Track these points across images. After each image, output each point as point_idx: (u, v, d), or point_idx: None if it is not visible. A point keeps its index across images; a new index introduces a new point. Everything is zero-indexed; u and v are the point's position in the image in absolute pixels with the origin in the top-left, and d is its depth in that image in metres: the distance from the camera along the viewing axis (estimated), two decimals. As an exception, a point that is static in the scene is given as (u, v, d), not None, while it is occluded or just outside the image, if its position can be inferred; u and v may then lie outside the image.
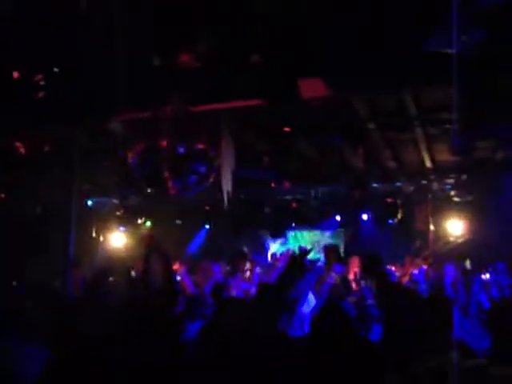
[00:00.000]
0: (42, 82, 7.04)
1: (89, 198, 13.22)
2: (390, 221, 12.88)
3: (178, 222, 15.27)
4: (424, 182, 12.72)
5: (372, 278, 4.52)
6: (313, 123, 8.73)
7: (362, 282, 8.87)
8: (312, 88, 6.69)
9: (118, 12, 5.92)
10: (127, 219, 13.15)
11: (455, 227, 12.66)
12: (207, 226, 15.15)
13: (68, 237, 9.25)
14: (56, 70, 6.97)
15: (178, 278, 8.22)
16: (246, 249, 12.04)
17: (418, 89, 7.59)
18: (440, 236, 12.84)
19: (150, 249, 5.27)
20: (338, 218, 14.08)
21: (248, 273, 10.16)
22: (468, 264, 10.11)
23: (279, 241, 14.61)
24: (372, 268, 4.42)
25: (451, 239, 12.61)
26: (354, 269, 9.54)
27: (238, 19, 6.39)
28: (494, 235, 10.58)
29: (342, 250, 14.25)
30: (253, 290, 8.55)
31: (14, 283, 8.02)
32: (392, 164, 11.88)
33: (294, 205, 13.65)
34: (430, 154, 10.99)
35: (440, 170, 12.12)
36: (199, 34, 6.63)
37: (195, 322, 5.97)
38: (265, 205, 13.79)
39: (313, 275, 6.89)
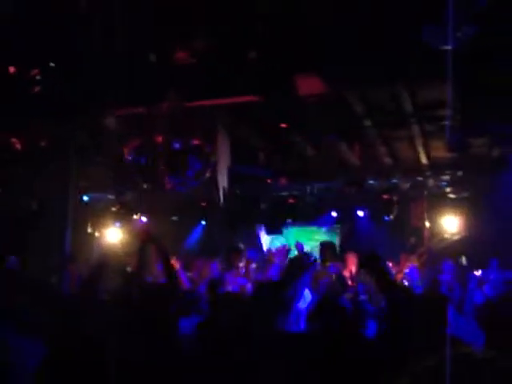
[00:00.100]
0: (37, 77, 7.03)
1: (84, 194, 13.20)
2: (386, 217, 12.89)
3: (174, 218, 15.25)
4: (420, 178, 12.74)
5: (371, 276, 4.48)
6: (309, 120, 8.74)
7: (358, 279, 8.90)
8: (308, 85, 6.70)
9: (116, 9, 5.92)
10: (123, 215, 13.12)
11: (451, 224, 12.67)
12: (203, 222, 15.14)
13: (64, 232, 9.24)
14: (52, 65, 6.96)
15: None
16: (241, 245, 12.05)
17: (414, 85, 7.61)
18: (435, 233, 12.85)
19: (146, 244, 5.28)
20: (333, 214, 14.08)
21: (244, 268, 10.17)
22: (463, 261, 10.13)
23: (275, 236, 14.60)
24: (371, 265, 4.40)
25: (447, 236, 12.62)
26: (350, 265, 9.57)
27: (234, 16, 6.39)
28: (489, 232, 10.59)
29: (337, 246, 14.29)
30: (249, 286, 8.57)
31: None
32: (388, 161, 11.90)
33: (290, 201, 13.64)
34: (425, 151, 11.01)
35: (436, 167, 12.15)
36: (196, 31, 6.63)
37: (191, 317, 5.97)
38: (261, 201, 13.78)
39: (309, 272, 6.88)
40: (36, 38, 6.46)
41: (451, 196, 13.07)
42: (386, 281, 4.24)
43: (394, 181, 12.81)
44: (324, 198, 13.72)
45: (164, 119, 7.69)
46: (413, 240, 12.52)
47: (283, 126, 9.10)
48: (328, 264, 9.67)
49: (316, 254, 12.15)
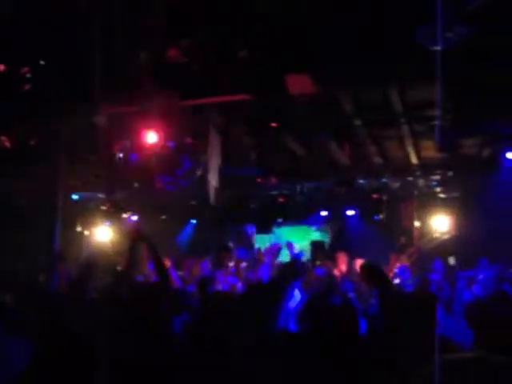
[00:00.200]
0: (27, 75, 7.00)
1: (74, 192, 13.15)
2: (376, 217, 12.92)
3: (164, 216, 15.23)
4: (410, 178, 12.78)
5: (376, 287, 4.44)
6: (299, 119, 8.74)
7: (347, 277, 8.92)
8: (299, 84, 6.70)
9: (109, 7, 5.91)
10: (113, 213, 13.08)
11: (441, 224, 12.71)
12: (194, 221, 15.14)
13: (53, 231, 9.20)
14: (42, 63, 6.93)
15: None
16: (231, 244, 12.04)
17: (405, 85, 7.63)
18: (425, 232, 12.89)
19: (136, 242, 5.26)
20: (323, 213, 14.11)
21: (234, 267, 10.18)
22: (451, 260, 10.16)
23: (265, 235, 14.61)
24: (374, 277, 4.39)
25: (436, 235, 12.66)
26: (341, 265, 9.59)
27: (228, 16, 6.38)
28: (479, 232, 10.62)
29: (327, 245, 14.32)
30: (239, 285, 8.57)
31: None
32: (378, 160, 11.92)
33: (280, 200, 13.66)
34: (416, 151, 11.04)
35: (426, 167, 12.18)
36: (188, 29, 6.62)
37: (181, 316, 5.97)
38: (251, 200, 13.79)
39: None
40: (26, 33, 6.43)
41: (441, 196, 13.12)
42: (389, 293, 4.23)
43: (384, 180, 12.84)
44: (314, 198, 13.75)
45: (155, 118, 7.67)
46: (403, 239, 12.55)
47: (274, 125, 9.09)
48: (319, 263, 9.69)
49: (307, 253, 12.21)
